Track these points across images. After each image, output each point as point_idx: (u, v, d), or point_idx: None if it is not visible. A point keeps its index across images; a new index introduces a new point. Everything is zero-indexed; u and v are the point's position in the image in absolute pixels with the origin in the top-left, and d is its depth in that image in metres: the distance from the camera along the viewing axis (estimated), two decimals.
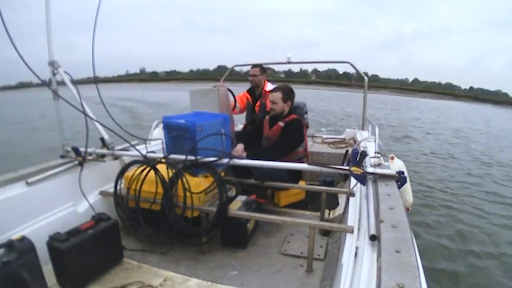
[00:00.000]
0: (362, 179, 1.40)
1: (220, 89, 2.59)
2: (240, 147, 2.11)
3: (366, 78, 3.37)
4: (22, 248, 1.22)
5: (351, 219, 1.38)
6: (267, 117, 2.41)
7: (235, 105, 2.90)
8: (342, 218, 1.82)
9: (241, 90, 3.14)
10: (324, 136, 3.92)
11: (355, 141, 3.37)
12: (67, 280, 1.35)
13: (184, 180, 1.60)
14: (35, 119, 12.58)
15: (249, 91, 3.07)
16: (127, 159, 1.93)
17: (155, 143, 2.14)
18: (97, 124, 1.85)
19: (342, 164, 2.77)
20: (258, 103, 2.93)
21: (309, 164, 1.65)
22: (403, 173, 1.33)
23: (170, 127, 1.85)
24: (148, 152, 1.79)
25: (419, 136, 11.42)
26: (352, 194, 1.67)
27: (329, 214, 2.29)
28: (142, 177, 1.69)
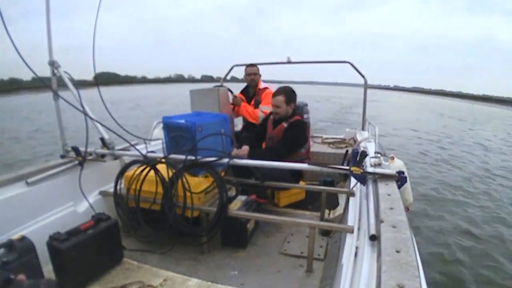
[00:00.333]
0: (362, 179, 1.40)
1: (220, 89, 2.59)
2: (245, 148, 2.12)
3: (365, 78, 3.37)
4: (22, 248, 1.22)
5: (351, 219, 1.38)
6: (271, 116, 2.41)
7: (234, 108, 2.89)
8: (342, 218, 1.82)
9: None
10: (324, 136, 3.92)
11: (355, 141, 3.37)
12: (67, 280, 1.35)
13: (184, 180, 1.60)
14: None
15: (242, 91, 3.06)
16: (127, 159, 1.93)
17: (155, 143, 2.14)
18: (97, 124, 1.85)
19: (342, 164, 2.77)
20: (252, 102, 2.92)
21: (309, 164, 1.65)
22: (403, 173, 1.33)
23: (170, 127, 1.85)
24: (148, 152, 1.79)
25: None
26: (352, 194, 1.67)
27: (329, 214, 2.29)
28: (142, 177, 1.69)
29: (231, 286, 1.44)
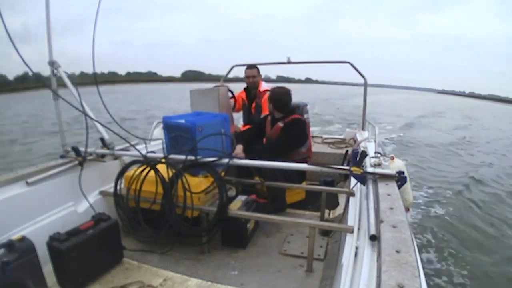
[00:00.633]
0: (362, 179, 1.40)
1: (220, 89, 2.59)
2: (239, 147, 2.11)
3: (365, 78, 3.37)
4: (22, 248, 1.22)
5: (351, 219, 1.38)
6: (269, 117, 2.42)
7: (234, 105, 2.89)
8: (342, 218, 1.82)
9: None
10: (324, 136, 3.93)
11: (355, 141, 3.37)
12: (67, 280, 1.35)
13: (184, 180, 1.60)
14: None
15: (245, 90, 3.05)
16: (127, 159, 1.93)
17: (155, 143, 2.14)
18: (97, 124, 1.85)
19: (342, 164, 2.77)
20: (253, 104, 2.92)
21: (309, 164, 1.65)
22: (403, 173, 1.33)
23: (170, 127, 1.85)
24: (148, 152, 1.79)
25: None
26: (352, 194, 1.67)
27: (329, 214, 2.29)
28: (142, 177, 1.69)
29: (231, 286, 1.44)
